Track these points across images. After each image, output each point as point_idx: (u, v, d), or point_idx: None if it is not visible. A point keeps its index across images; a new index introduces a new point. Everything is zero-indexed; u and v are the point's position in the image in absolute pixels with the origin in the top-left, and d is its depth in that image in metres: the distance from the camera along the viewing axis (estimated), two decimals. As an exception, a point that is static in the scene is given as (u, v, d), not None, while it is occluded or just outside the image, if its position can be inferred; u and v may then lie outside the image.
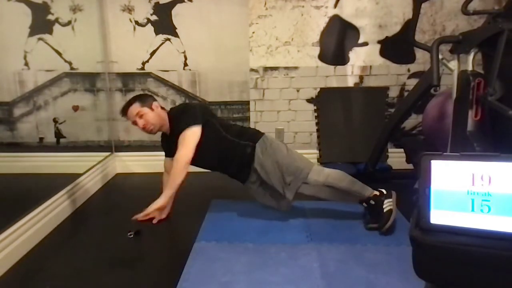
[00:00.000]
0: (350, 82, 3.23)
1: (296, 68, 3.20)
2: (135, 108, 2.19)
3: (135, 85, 3.22)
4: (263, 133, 2.32)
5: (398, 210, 2.20)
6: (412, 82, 3.02)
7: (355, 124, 3.23)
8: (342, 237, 2.13)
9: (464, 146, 2.03)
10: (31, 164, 2.82)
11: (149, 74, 3.21)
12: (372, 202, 2.19)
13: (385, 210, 2.13)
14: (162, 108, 2.30)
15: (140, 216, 2.05)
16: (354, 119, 3.23)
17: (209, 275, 1.80)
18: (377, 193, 2.21)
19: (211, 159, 2.26)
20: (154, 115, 2.19)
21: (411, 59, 3.17)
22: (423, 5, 2.58)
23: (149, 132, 2.25)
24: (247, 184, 2.30)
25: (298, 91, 3.24)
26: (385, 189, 2.23)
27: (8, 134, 2.84)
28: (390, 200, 2.17)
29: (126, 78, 3.22)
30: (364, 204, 2.24)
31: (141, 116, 2.18)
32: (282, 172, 2.18)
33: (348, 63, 3.19)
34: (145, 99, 2.24)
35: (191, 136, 2.10)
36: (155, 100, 2.27)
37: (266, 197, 2.29)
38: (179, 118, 2.18)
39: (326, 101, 3.22)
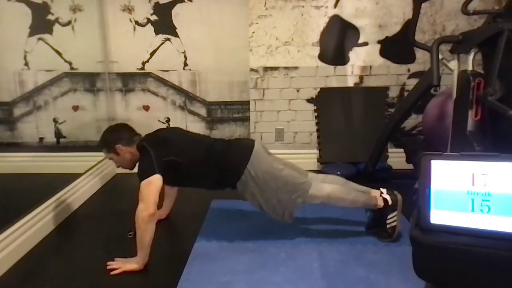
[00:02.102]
0: (350, 82, 3.22)
1: (296, 68, 3.19)
2: (104, 154, 2.12)
3: (135, 85, 3.22)
4: (249, 156, 1.99)
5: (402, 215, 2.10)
6: (412, 82, 3.02)
7: (355, 124, 3.23)
8: (342, 237, 2.13)
9: (464, 146, 2.03)
10: (31, 164, 2.82)
11: (149, 74, 3.21)
12: (377, 215, 2.10)
13: (388, 226, 2.05)
14: (133, 136, 2.07)
15: (113, 265, 1.87)
16: (354, 119, 3.23)
17: (209, 275, 1.80)
18: (382, 204, 2.06)
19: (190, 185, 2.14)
20: (121, 158, 2.05)
21: (411, 59, 3.17)
22: (423, 5, 2.58)
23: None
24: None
25: (298, 91, 3.24)
26: (391, 196, 2.07)
27: (8, 134, 2.84)
28: (395, 214, 2.04)
29: (126, 78, 3.22)
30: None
31: (111, 159, 2.12)
32: (274, 205, 2.01)
33: (348, 63, 3.19)
34: (109, 144, 2.05)
35: (148, 190, 1.82)
36: (118, 142, 2.02)
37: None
38: (139, 164, 1.95)
39: (326, 101, 3.22)
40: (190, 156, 1.99)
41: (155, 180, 1.84)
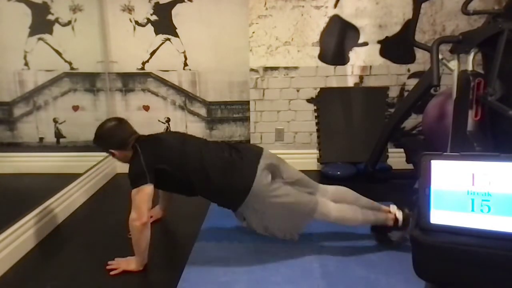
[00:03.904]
0: (350, 82, 3.22)
1: (296, 68, 3.19)
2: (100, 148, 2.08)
3: (135, 85, 3.22)
4: (253, 177, 1.85)
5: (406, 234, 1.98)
6: (412, 82, 3.02)
7: (355, 124, 3.23)
8: (342, 237, 2.12)
9: (464, 146, 2.03)
10: (31, 164, 2.82)
11: (149, 74, 3.21)
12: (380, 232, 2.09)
13: (390, 237, 2.04)
14: (127, 138, 1.96)
15: (113, 265, 1.88)
16: (354, 119, 3.23)
17: (209, 275, 1.80)
18: (392, 224, 2.00)
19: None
20: (117, 158, 2.01)
21: (411, 59, 3.17)
22: (423, 5, 2.58)
23: None
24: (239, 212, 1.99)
25: (298, 91, 3.24)
26: (403, 215, 1.99)
27: (8, 134, 2.84)
28: (401, 233, 1.99)
29: (126, 78, 3.22)
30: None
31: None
32: (277, 229, 2.00)
33: (348, 63, 3.19)
34: (103, 146, 2.03)
35: (140, 199, 1.79)
36: (111, 147, 1.97)
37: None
38: (129, 168, 1.88)
39: (326, 101, 3.22)
40: (183, 169, 1.88)
41: (146, 189, 1.80)
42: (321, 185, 2.08)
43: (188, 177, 1.89)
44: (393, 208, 2.05)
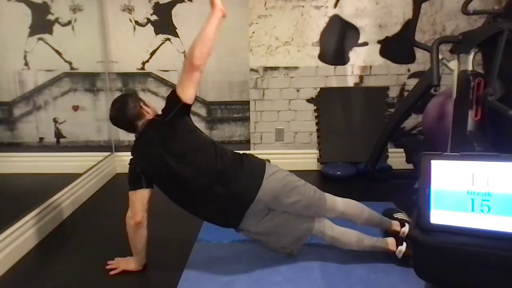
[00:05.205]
0: (350, 82, 3.22)
1: (296, 68, 3.19)
2: None
3: (135, 85, 3.22)
4: (256, 192, 1.72)
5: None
6: (412, 82, 3.01)
7: (355, 124, 3.23)
8: (342, 237, 2.12)
9: (464, 146, 2.03)
10: (31, 164, 2.82)
11: (149, 74, 3.21)
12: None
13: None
14: (134, 129, 1.88)
15: (112, 264, 1.89)
16: (354, 119, 3.23)
17: (209, 275, 1.81)
18: (393, 250, 1.86)
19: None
20: None
21: (411, 59, 3.17)
22: (423, 5, 2.58)
23: None
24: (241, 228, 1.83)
25: (298, 91, 3.24)
26: (405, 251, 1.83)
27: (8, 134, 2.84)
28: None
29: (126, 78, 3.21)
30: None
31: None
32: (274, 245, 1.86)
33: (348, 63, 3.19)
34: None
35: (134, 199, 1.77)
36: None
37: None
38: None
39: (326, 101, 3.22)
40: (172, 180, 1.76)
41: (141, 193, 1.77)
42: (329, 202, 1.88)
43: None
44: (404, 229, 1.96)
